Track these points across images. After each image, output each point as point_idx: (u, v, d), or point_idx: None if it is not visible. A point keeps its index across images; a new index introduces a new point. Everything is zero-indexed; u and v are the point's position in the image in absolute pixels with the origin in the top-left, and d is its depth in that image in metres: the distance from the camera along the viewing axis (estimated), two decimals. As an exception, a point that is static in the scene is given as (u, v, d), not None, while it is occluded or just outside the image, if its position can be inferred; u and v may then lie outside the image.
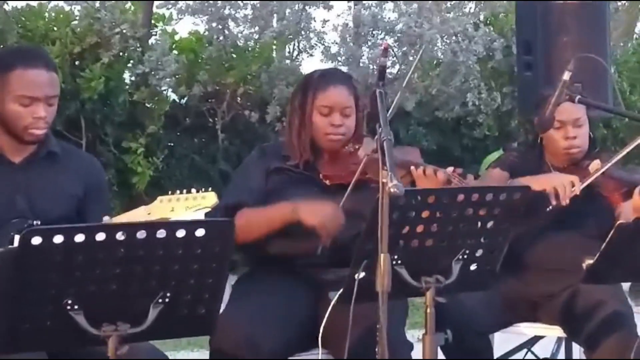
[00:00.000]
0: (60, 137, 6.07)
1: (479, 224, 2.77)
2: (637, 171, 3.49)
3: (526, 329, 3.61)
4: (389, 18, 8.79)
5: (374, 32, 8.73)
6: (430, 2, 8.59)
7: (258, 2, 8.42)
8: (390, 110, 3.06)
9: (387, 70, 8.10)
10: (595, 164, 3.37)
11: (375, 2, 8.84)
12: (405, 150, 3.37)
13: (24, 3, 7.73)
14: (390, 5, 8.86)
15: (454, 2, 8.97)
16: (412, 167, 3.17)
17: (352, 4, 9.11)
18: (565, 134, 3.48)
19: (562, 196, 3.27)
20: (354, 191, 3.12)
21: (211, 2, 8.22)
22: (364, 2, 8.92)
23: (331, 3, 8.61)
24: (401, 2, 8.77)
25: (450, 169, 3.17)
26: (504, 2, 9.42)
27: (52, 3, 7.79)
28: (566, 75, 3.22)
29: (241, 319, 3.01)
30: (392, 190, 2.49)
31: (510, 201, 2.77)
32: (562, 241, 3.47)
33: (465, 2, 9.26)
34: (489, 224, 2.78)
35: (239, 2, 8.38)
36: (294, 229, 3.08)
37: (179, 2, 8.27)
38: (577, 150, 3.51)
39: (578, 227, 3.46)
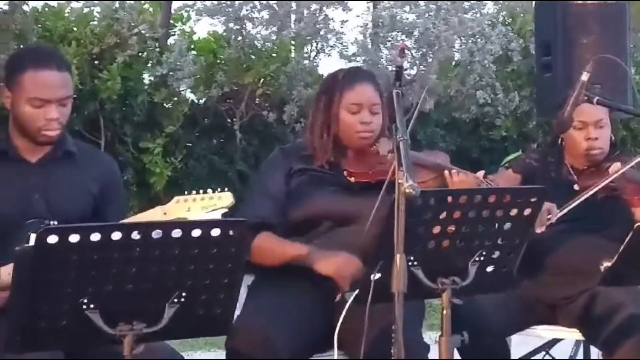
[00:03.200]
0: (79, 137, 6.12)
1: (496, 225, 2.75)
2: None
3: (544, 332, 3.59)
4: (407, 19, 8.76)
5: (392, 34, 8.71)
6: (448, 2, 8.55)
7: (275, 2, 8.42)
8: (413, 118, 3.05)
9: (405, 72, 8.07)
10: (615, 167, 3.35)
11: (393, 2, 8.81)
12: (434, 154, 3.36)
13: (43, 3, 7.77)
14: (408, 6, 8.83)
15: (472, 2, 8.92)
16: (447, 172, 3.16)
17: (371, 4, 9.10)
18: (586, 134, 3.46)
19: (537, 224, 3.13)
20: (375, 192, 3.10)
21: (229, 3, 8.23)
22: (382, 3, 8.90)
23: (349, 4, 8.59)
24: (420, 2, 8.74)
25: (480, 173, 3.16)
26: (522, 2, 9.38)
27: (72, 4, 7.82)
28: (584, 76, 3.20)
29: (257, 319, 3.01)
30: (407, 190, 2.48)
31: (527, 203, 2.75)
32: (581, 244, 3.45)
33: (484, 2, 9.20)
34: (506, 226, 2.76)
35: (257, 2, 8.38)
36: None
37: (197, 3, 8.28)
38: (598, 151, 3.49)
39: (597, 229, 3.44)
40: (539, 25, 5.82)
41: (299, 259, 3.08)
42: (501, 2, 9.58)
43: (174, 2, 8.25)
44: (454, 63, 9.06)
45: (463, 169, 3.25)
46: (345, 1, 8.60)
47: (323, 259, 3.05)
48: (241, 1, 8.26)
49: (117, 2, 7.67)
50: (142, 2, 8.05)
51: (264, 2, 8.39)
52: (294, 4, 8.44)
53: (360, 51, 8.63)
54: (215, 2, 8.25)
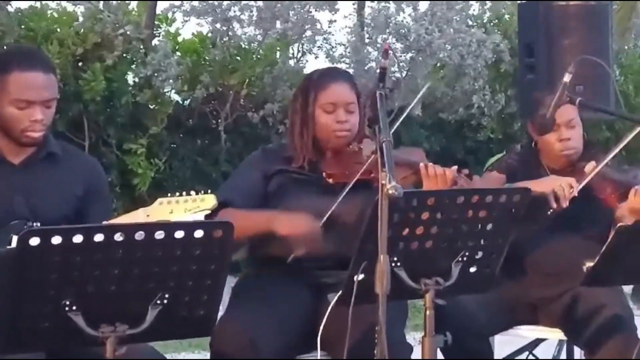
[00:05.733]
0: (63, 138, 6.07)
1: (479, 226, 2.76)
2: (631, 171, 3.49)
3: (527, 332, 3.61)
4: (401, 22, 8.76)
5: (383, 36, 8.71)
6: (442, 8, 8.54)
7: (262, 3, 8.41)
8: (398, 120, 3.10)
9: (392, 74, 8.06)
10: (590, 165, 3.37)
11: (385, 4, 8.81)
12: (410, 151, 3.38)
13: (27, 4, 7.73)
14: (403, 9, 8.82)
15: (458, 4, 8.92)
16: (422, 165, 3.17)
17: (356, 6, 9.09)
18: (559, 135, 3.48)
19: (562, 198, 3.27)
20: (356, 191, 3.13)
21: (215, 3, 8.21)
22: (371, 5, 8.91)
23: (337, 5, 8.56)
24: (415, 2, 8.74)
25: (454, 168, 3.18)
26: (508, 3, 9.39)
27: (55, 3, 7.79)
28: (566, 77, 3.22)
29: (241, 321, 3.02)
30: (390, 191, 2.49)
31: (510, 203, 2.76)
32: (562, 244, 3.47)
33: (469, 3, 9.21)
34: (489, 226, 2.77)
35: (243, 3, 8.37)
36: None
37: (185, 3, 8.25)
38: (572, 151, 3.51)
39: (577, 229, 3.46)
40: (522, 27, 5.84)
41: (262, 227, 3.07)
42: (488, 2, 9.59)
43: (160, 3, 8.22)
44: (438, 64, 9.07)
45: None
46: (333, 1, 8.58)
47: (283, 219, 3.04)
48: (229, 1, 8.23)
49: (101, 3, 7.63)
50: (127, 2, 8.01)
51: (251, 2, 8.37)
52: (280, 4, 8.42)
53: (348, 52, 8.63)
54: (203, 3, 8.22)
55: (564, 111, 3.40)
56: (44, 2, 7.73)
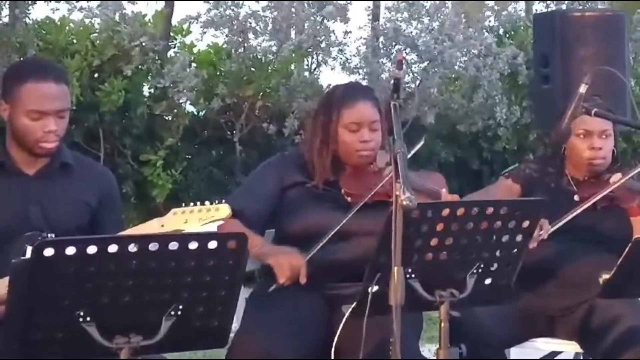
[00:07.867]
0: (78, 149, 6.11)
1: (494, 237, 2.75)
2: None
3: (543, 345, 3.58)
4: (411, 33, 8.77)
5: (394, 46, 8.71)
6: (453, 17, 8.54)
7: (277, 15, 8.43)
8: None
9: (407, 85, 8.00)
10: (616, 177, 3.35)
11: (398, 16, 8.82)
12: (430, 176, 3.35)
13: (44, 15, 7.79)
14: (412, 19, 8.83)
15: (474, 15, 8.93)
16: (444, 192, 3.15)
17: (371, 16, 9.11)
18: (590, 144, 3.46)
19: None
20: (373, 209, 3.11)
21: (231, 15, 8.24)
22: (384, 16, 8.92)
23: (348, 15, 8.57)
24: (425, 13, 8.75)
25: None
26: (523, 15, 9.40)
27: (72, 16, 7.84)
28: (582, 89, 3.20)
29: (256, 332, 3.02)
30: (404, 203, 2.48)
31: (525, 214, 2.75)
32: (580, 255, 3.44)
33: (485, 15, 9.22)
34: (504, 238, 2.76)
35: (258, 14, 8.39)
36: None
37: (201, 15, 8.28)
38: (601, 161, 3.48)
39: (596, 241, 3.44)
40: (537, 37, 5.83)
41: (254, 253, 3.06)
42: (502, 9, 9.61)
43: (176, 15, 8.26)
44: (453, 76, 9.07)
45: (462, 184, 3.25)
46: (346, 3, 8.58)
47: (274, 251, 3.08)
48: (245, 0, 8.23)
49: (117, 14, 7.68)
50: (143, 13, 8.05)
51: (266, 13, 8.38)
52: (294, 16, 8.42)
53: (363, 63, 8.63)
54: (218, 14, 8.24)
55: (599, 120, 3.38)
56: (62, 16, 7.78)
